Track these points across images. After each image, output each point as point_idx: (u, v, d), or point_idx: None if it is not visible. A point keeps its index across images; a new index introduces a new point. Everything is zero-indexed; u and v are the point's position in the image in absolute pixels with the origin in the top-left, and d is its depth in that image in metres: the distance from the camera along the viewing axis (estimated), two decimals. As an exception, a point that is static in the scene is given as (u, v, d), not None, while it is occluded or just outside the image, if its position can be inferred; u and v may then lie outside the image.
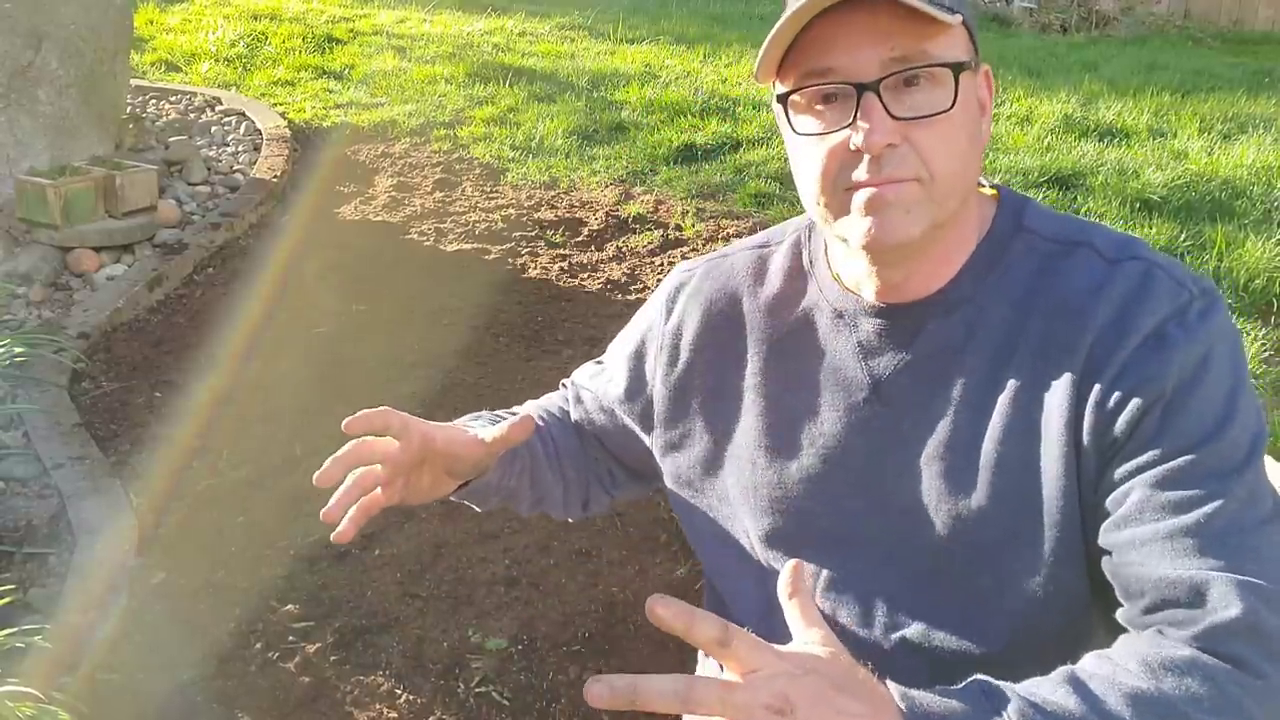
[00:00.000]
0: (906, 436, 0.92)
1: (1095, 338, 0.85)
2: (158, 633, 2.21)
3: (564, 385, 1.25)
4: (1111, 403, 0.83)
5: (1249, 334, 3.30)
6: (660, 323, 1.09)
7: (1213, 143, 5.14)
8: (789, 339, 0.99)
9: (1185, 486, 0.80)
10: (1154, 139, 5.25)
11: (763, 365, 1.00)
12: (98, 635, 2.11)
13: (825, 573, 0.96)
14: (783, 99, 0.88)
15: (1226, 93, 6.31)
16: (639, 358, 1.11)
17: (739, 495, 1.01)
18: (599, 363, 1.21)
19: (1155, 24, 9.80)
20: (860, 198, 0.85)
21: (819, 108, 0.86)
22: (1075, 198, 4.43)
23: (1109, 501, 0.84)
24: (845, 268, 0.96)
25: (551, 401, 1.24)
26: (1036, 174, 4.61)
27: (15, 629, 1.91)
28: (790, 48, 0.85)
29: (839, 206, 0.87)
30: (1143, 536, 0.80)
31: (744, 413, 1.01)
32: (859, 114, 0.82)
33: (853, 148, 0.83)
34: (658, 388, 1.08)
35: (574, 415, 1.20)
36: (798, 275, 1.01)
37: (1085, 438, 0.84)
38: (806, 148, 0.87)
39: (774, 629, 0.98)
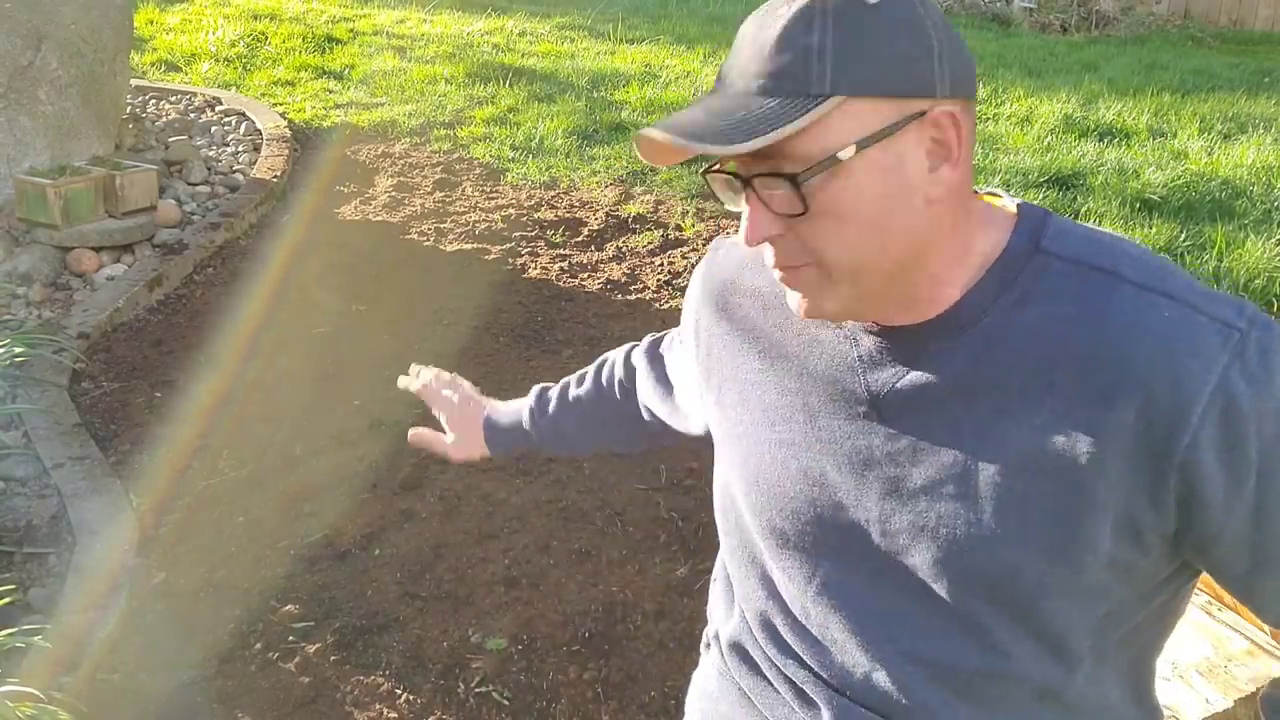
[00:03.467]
0: (902, 456, 0.89)
1: (1146, 397, 0.79)
2: (158, 633, 2.21)
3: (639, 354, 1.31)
4: (1182, 477, 0.80)
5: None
6: (696, 307, 1.11)
7: (1213, 142, 5.14)
8: (790, 340, 0.98)
9: None
10: (1154, 139, 5.25)
11: (766, 363, 0.99)
12: (98, 635, 2.11)
13: (819, 578, 0.96)
14: (705, 173, 0.90)
15: (1226, 93, 6.31)
16: (687, 342, 1.15)
17: (739, 486, 1.01)
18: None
19: (1155, 24, 9.80)
20: (778, 274, 0.86)
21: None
22: (1075, 197, 4.44)
23: (1224, 555, 0.85)
24: None
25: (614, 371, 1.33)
26: (1036, 174, 4.61)
27: (15, 629, 1.91)
28: None
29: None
30: None
31: (748, 407, 1.00)
32: (746, 204, 0.83)
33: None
34: (695, 362, 1.11)
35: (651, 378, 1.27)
36: None
37: (1148, 500, 0.82)
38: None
39: (771, 615, 1.01)
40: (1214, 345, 0.79)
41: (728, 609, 1.11)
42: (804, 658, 0.98)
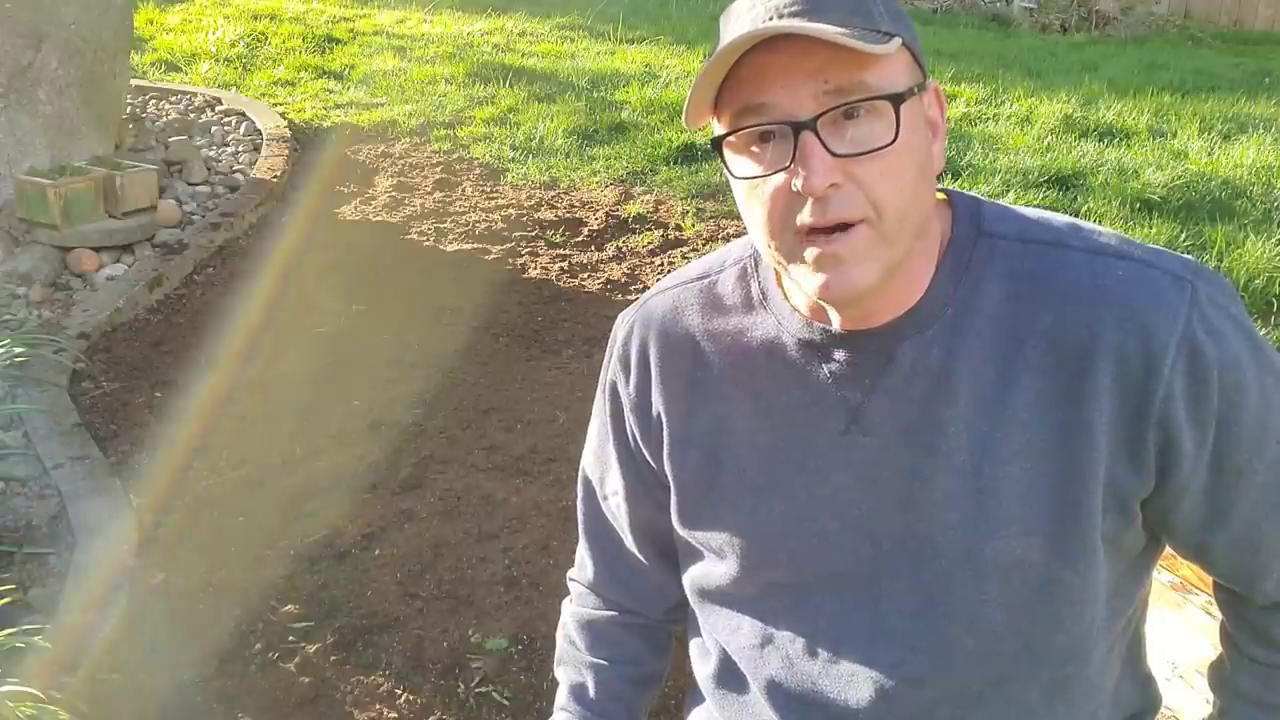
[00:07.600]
0: (893, 465, 0.87)
1: (1119, 358, 0.80)
2: (158, 633, 2.21)
3: (582, 591, 1.16)
4: (1160, 432, 0.81)
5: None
6: (624, 385, 1.01)
7: (1213, 143, 5.14)
8: (755, 375, 0.93)
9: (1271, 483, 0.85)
10: (1154, 139, 5.25)
11: (732, 406, 0.94)
12: (98, 635, 2.10)
13: (825, 611, 0.92)
14: (718, 142, 0.83)
15: (1226, 93, 6.32)
16: (622, 436, 1.04)
17: (725, 541, 0.96)
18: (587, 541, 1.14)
19: (1155, 24, 9.81)
20: (812, 252, 0.80)
21: (755, 150, 0.81)
22: (1075, 198, 4.43)
23: (1185, 512, 0.86)
24: (802, 299, 0.90)
25: (588, 634, 1.15)
26: (1036, 174, 4.61)
27: (15, 629, 1.91)
28: (722, 85, 0.80)
29: (789, 251, 0.82)
30: (1255, 539, 0.88)
31: (719, 457, 0.95)
32: (797, 154, 0.77)
33: (794, 190, 0.78)
34: (645, 452, 1.02)
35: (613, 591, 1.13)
36: (750, 308, 0.95)
37: (1129, 464, 0.83)
38: (750, 191, 0.82)
39: (766, 659, 0.96)
40: (1173, 298, 0.81)
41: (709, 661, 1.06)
42: (807, 701, 0.94)
